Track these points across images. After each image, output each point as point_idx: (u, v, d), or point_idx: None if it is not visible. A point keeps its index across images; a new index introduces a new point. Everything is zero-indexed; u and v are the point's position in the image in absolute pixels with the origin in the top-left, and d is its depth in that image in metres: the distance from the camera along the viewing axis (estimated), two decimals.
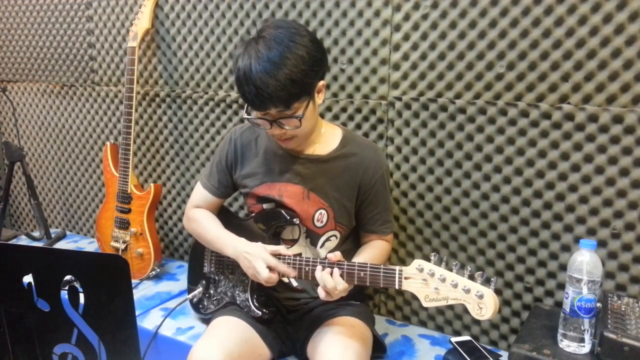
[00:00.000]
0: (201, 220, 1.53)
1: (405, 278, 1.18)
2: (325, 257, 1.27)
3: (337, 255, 1.26)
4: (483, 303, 1.09)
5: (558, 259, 1.47)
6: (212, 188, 1.54)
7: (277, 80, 1.20)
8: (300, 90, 1.24)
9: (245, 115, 1.34)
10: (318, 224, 1.43)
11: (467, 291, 1.10)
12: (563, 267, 1.46)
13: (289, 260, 1.33)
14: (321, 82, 1.33)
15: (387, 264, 1.46)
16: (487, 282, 1.11)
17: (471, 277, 1.12)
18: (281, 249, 1.35)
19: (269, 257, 1.32)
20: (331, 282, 1.22)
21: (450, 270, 1.14)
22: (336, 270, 1.24)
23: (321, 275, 1.24)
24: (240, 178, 1.50)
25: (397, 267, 1.19)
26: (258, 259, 1.32)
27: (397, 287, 1.18)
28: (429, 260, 1.16)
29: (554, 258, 1.48)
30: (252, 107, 1.29)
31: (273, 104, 1.24)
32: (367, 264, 1.23)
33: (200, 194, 1.56)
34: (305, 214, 1.42)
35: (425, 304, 1.15)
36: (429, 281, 1.15)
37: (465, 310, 1.12)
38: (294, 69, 1.21)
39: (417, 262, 1.16)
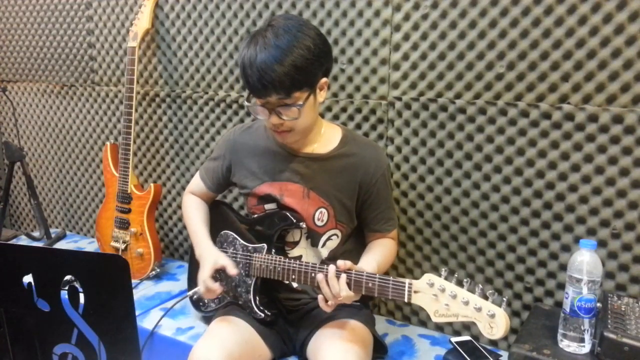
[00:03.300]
0: (190, 209, 1.59)
1: (415, 292, 1.16)
2: (334, 263, 1.27)
3: (346, 264, 1.24)
4: (494, 322, 1.07)
5: (558, 259, 1.47)
6: (208, 182, 1.59)
7: (281, 65, 1.21)
8: (303, 79, 1.25)
9: (246, 103, 1.35)
10: (319, 223, 1.43)
11: (479, 310, 1.08)
12: (563, 267, 1.46)
13: (293, 265, 1.34)
14: (324, 79, 1.33)
15: (392, 274, 1.47)
16: (498, 300, 1.10)
17: (482, 295, 1.10)
18: (228, 266, 1.39)
19: (204, 272, 1.39)
20: (336, 287, 1.22)
21: (461, 286, 1.12)
22: (343, 276, 1.23)
23: (323, 278, 1.24)
24: (240, 178, 1.50)
25: (407, 280, 1.18)
26: (202, 270, 1.41)
27: (406, 300, 1.17)
28: (439, 274, 1.15)
29: (554, 258, 1.48)
30: (253, 93, 1.29)
31: (275, 90, 1.24)
32: (376, 275, 1.22)
33: (197, 183, 1.62)
34: (305, 212, 1.42)
35: (434, 319, 1.14)
36: (439, 297, 1.13)
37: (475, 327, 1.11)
38: (299, 56, 1.23)
39: (428, 277, 1.15)
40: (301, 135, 1.38)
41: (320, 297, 1.27)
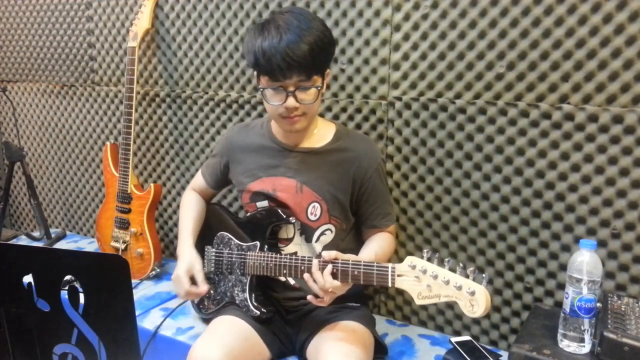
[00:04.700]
0: (185, 206, 1.63)
1: (398, 275, 1.16)
2: (320, 255, 1.27)
3: (331, 255, 1.25)
4: (475, 300, 1.07)
5: (558, 259, 1.47)
6: (207, 178, 1.63)
7: (307, 44, 1.24)
8: (322, 60, 1.31)
9: (261, 86, 1.33)
10: (312, 217, 1.44)
11: (459, 288, 1.08)
12: (563, 267, 1.46)
13: (284, 260, 1.34)
14: (328, 70, 1.38)
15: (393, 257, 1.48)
16: (479, 278, 1.10)
17: (463, 274, 1.10)
18: (199, 281, 1.43)
19: (178, 269, 1.45)
20: (320, 279, 1.22)
21: (443, 267, 1.12)
22: (328, 267, 1.23)
23: (310, 275, 1.25)
24: (236, 175, 1.53)
25: (390, 265, 1.18)
26: (177, 267, 1.47)
27: (389, 284, 1.17)
28: (421, 256, 1.15)
29: (554, 258, 1.48)
30: (272, 76, 1.28)
31: (297, 70, 1.26)
32: (360, 261, 1.23)
33: (199, 179, 1.67)
34: (298, 207, 1.43)
35: (417, 302, 1.14)
36: (421, 278, 1.13)
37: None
38: (319, 38, 1.28)
39: (410, 259, 1.15)
40: (309, 123, 1.39)
41: (309, 296, 1.28)
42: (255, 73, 1.36)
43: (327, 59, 1.34)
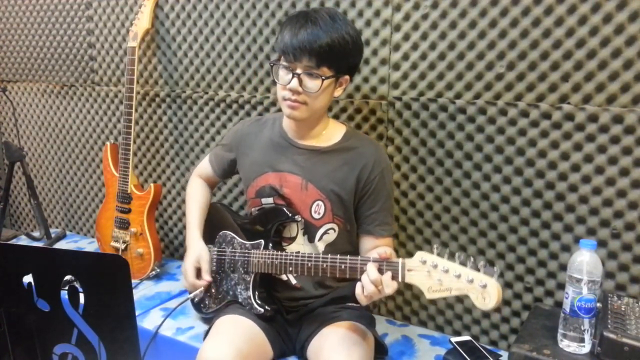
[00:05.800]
0: (190, 197, 1.67)
1: (409, 270, 1.17)
2: (326, 253, 1.27)
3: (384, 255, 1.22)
4: (487, 292, 1.08)
5: (558, 259, 1.48)
6: (215, 167, 1.65)
7: (326, 36, 1.29)
8: (335, 58, 1.31)
9: (273, 61, 1.40)
10: (315, 216, 1.44)
11: (471, 281, 1.09)
12: (563, 267, 1.46)
13: (290, 257, 1.35)
14: (346, 77, 1.39)
15: None
16: (490, 271, 1.10)
17: (474, 268, 1.11)
18: (204, 271, 1.51)
19: (187, 262, 1.53)
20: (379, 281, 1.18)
21: (454, 261, 1.13)
22: (388, 274, 1.19)
23: (368, 274, 1.20)
24: (243, 169, 1.54)
25: (400, 260, 1.18)
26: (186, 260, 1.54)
27: (400, 279, 1.18)
28: (431, 251, 1.16)
29: (554, 258, 1.48)
30: (286, 53, 1.33)
31: (308, 55, 1.29)
32: (369, 257, 1.23)
33: (205, 166, 1.69)
34: (302, 204, 1.43)
35: (428, 296, 1.15)
36: (432, 273, 1.14)
37: (469, 303, 1.11)
38: (342, 38, 1.31)
39: (420, 255, 1.16)
40: (310, 114, 1.38)
41: (357, 289, 1.23)
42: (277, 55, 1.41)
43: (344, 58, 1.34)
